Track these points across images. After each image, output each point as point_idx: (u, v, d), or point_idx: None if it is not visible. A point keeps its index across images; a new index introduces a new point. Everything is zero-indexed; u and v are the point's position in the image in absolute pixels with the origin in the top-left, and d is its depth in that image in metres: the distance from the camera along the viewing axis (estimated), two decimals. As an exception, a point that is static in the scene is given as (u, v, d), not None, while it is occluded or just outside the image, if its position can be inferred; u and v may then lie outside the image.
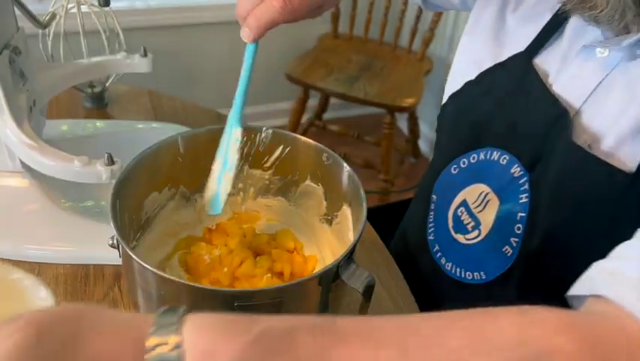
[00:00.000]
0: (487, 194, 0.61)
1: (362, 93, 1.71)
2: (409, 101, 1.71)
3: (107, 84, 0.88)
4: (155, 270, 0.41)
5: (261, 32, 0.48)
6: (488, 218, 0.61)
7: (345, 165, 0.54)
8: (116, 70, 0.78)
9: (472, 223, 0.62)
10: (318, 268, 0.56)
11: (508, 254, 0.59)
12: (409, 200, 0.91)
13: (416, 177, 2.09)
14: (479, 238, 0.62)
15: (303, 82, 1.75)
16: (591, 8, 0.49)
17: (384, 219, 0.90)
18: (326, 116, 2.14)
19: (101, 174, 0.58)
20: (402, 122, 2.27)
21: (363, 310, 0.47)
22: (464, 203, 0.63)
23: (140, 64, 0.77)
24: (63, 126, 0.79)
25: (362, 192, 0.51)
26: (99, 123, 0.82)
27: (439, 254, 0.67)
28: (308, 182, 0.58)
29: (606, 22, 0.49)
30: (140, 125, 0.82)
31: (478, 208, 0.62)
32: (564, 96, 0.57)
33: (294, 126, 1.88)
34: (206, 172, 0.59)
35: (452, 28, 2.03)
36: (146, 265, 0.41)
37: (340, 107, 2.15)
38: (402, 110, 1.73)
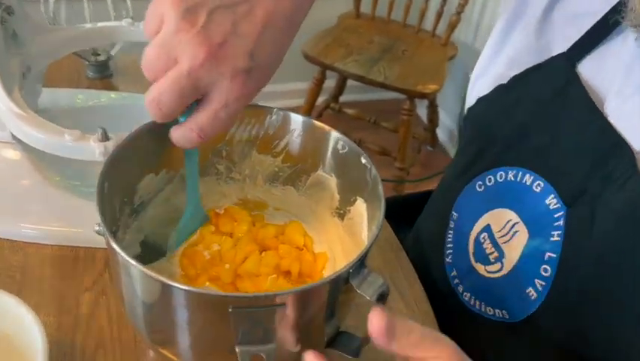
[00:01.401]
0: (515, 223, 0.53)
1: (381, 77, 1.64)
2: (430, 88, 1.64)
3: (112, 53, 0.83)
4: (139, 265, 0.36)
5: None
6: (514, 252, 0.53)
7: (362, 155, 0.48)
8: (120, 37, 0.73)
9: (495, 254, 0.54)
10: (329, 267, 0.50)
11: (532, 298, 0.51)
12: (426, 193, 0.85)
13: (432, 167, 2.02)
14: (501, 273, 0.54)
15: (321, 62, 1.68)
16: None
17: (400, 212, 0.84)
18: (342, 98, 2.08)
19: (94, 150, 0.53)
20: (421, 110, 2.20)
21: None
22: (488, 228, 0.55)
23: (146, 32, 0.71)
24: (61, 96, 0.74)
25: (380, 188, 0.45)
26: (101, 95, 0.76)
27: (457, 280, 0.59)
28: (320, 171, 0.53)
29: None
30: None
31: (503, 238, 0.54)
32: (625, 131, 0.47)
33: (310, 108, 1.82)
34: (209, 155, 0.54)
35: (479, 13, 1.94)
36: (130, 260, 0.36)
37: (358, 90, 2.08)
38: (422, 96, 1.66)
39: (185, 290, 0.36)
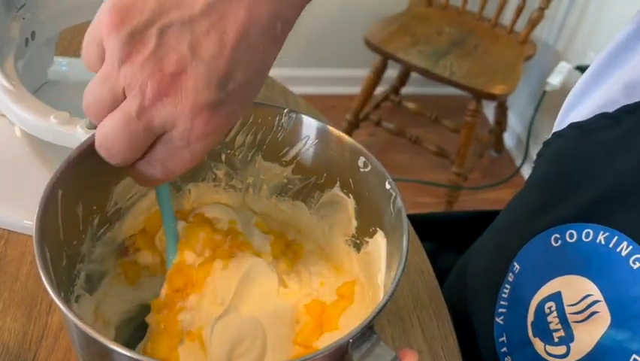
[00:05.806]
0: (595, 302, 0.41)
1: (448, 72, 1.51)
2: (500, 89, 1.49)
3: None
4: (77, 321, 0.28)
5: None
6: (587, 338, 0.41)
7: (387, 178, 0.38)
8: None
9: (561, 333, 0.42)
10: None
11: None
12: (479, 214, 0.72)
13: (494, 175, 1.87)
14: (566, 360, 0.42)
15: (383, 50, 1.57)
16: None
17: (441, 232, 0.72)
18: (404, 91, 1.95)
19: (80, 137, 0.46)
20: (488, 109, 2.04)
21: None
22: (557, 297, 0.43)
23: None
24: (77, 67, 0.67)
25: (405, 224, 0.35)
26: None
27: (505, 349, 0.47)
28: (336, 190, 0.43)
29: None
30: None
31: (576, 316, 0.42)
32: None
33: (365, 98, 1.71)
34: (206, 157, 0.45)
35: (565, 12, 1.76)
36: (68, 314, 0.28)
37: (421, 82, 1.94)
38: (491, 97, 1.51)
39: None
